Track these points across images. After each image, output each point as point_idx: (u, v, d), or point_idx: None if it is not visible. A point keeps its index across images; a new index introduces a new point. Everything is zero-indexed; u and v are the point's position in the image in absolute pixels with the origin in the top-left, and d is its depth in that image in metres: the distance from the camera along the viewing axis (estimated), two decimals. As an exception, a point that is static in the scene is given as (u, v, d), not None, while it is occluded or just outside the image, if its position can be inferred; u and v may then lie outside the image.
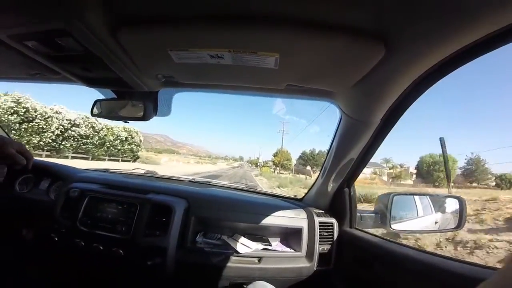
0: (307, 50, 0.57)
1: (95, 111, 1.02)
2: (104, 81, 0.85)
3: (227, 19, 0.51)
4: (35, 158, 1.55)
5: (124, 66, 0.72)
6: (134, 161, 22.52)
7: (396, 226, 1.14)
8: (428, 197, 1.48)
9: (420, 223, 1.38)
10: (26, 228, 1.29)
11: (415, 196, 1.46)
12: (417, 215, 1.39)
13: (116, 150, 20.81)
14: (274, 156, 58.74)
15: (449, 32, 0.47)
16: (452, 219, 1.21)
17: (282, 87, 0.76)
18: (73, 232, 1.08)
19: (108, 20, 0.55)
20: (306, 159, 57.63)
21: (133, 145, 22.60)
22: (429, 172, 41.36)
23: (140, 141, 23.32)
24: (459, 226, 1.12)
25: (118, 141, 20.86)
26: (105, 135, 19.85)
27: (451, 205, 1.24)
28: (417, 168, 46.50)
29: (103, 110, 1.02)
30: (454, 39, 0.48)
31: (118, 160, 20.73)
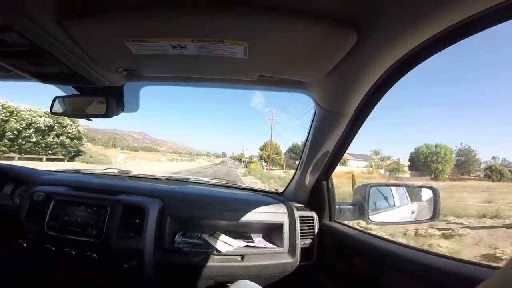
0: (276, 38, 0.54)
1: (56, 108, 0.94)
2: (60, 76, 0.77)
3: (189, 5, 0.47)
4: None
5: (78, 60, 0.66)
6: (71, 159, 16.27)
7: (374, 218, 1.15)
8: (404, 187, 1.52)
9: (398, 213, 1.41)
10: None
11: (391, 187, 1.49)
12: (394, 205, 1.43)
13: (31, 144, 13.75)
14: (261, 150, 50.34)
15: (422, 19, 0.45)
16: (427, 208, 1.25)
17: (254, 78, 0.73)
18: (41, 237, 1.03)
19: (53, 10, 0.49)
20: (298, 153, 51.75)
21: (66, 138, 15.80)
22: (426, 163, 39.78)
23: (79, 132, 16.90)
24: (434, 216, 1.15)
25: (33, 130, 13.77)
26: (4, 120, 12.62)
27: (426, 194, 1.28)
28: (411, 160, 44.95)
29: (66, 107, 0.94)
30: (426, 26, 0.47)
31: (41, 159, 14.12)
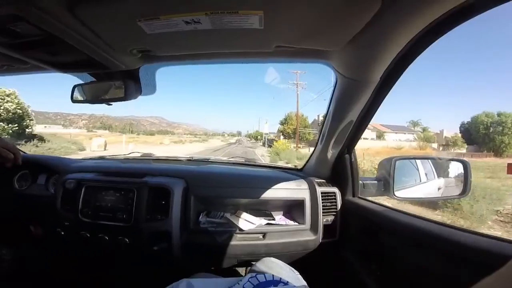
0: (293, 6, 0.50)
1: (76, 96, 0.95)
2: (77, 64, 0.78)
3: None
4: (28, 153, 1.54)
5: (92, 45, 0.65)
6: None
7: (399, 194, 1.10)
8: (430, 161, 1.44)
9: (423, 189, 1.35)
10: (34, 225, 1.30)
11: (417, 160, 1.42)
12: (420, 180, 1.36)
13: None
14: (283, 123, 40.34)
15: None
16: (455, 184, 1.18)
17: (271, 49, 0.70)
18: (77, 224, 1.07)
19: None
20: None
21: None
22: (487, 136, 32.28)
23: (9, 111, 13.11)
24: (464, 192, 1.08)
25: None
26: None
27: (455, 169, 1.20)
28: (465, 132, 36.88)
29: (84, 95, 0.95)
30: None
31: None
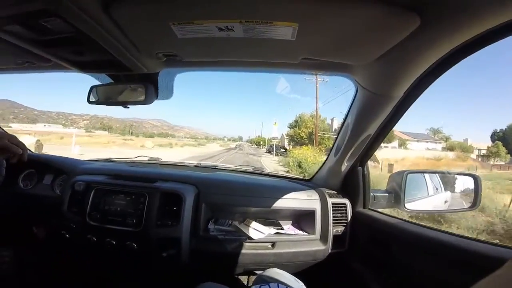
0: (330, 20, 0.51)
1: (92, 98, 0.95)
2: (100, 64, 0.78)
3: None
4: (35, 152, 1.52)
5: (120, 46, 0.65)
6: None
7: (410, 206, 1.11)
8: (438, 175, 1.45)
9: (431, 202, 1.36)
10: (36, 225, 1.27)
11: (425, 174, 1.43)
12: (428, 193, 1.37)
13: None
14: (293, 127, 32.37)
15: (485, 7, 0.43)
16: (462, 198, 1.19)
17: (297, 60, 0.70)
18: (83, 227, 1.04)
19: None
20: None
21: None
22: None
23: None
24: (474, 205, 1.09)
25: None
26: None
27: (463, 183, 1.21)
28: (502, 140, 32.85)
29: (101, 96, 0.95)
30: (493, 13, 0.44)
31: None
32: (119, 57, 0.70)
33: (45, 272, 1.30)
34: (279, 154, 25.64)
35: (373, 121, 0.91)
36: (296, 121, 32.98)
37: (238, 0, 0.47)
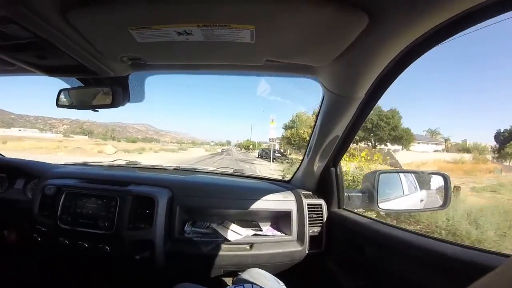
0: (285, 22, 0.52)
1: (62, 101, 0.93)
2: (65, 68, 0.77)
3: None
4: (6, 157, 1.47)
5: (82, 51, 0.65)
6: None
7: (383, 206, 1.14)
8: (412, 174, 1.50)
9: (406, 202, 1.40)
10: (8, 230, 1.24)
11: (400, 174, 1.47)
12: (403, 193, 1.41)
13: None
14: (290, 128, 28.37)
15: (435, 4, 0.44)
16: (437, 197, 1.23)
17: (261, 63, 0.71)
18: (55, 230, 1.05)
19: (55, 1, 0.48)
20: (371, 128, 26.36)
21: None
22: None
23: None
24: (444, 204, 1.13)
25: None
26: None
27: (436, 182, 1.25)
28: (502, 141, 31.61)
29: (70, 99, 0.94)
30: (439, 11, 0.46)
31: None
32: (83, 61, 0.70)
33: (18, 275, 1.27)
34: (276, 159, 21.27)
35: (339, 122, 0.93)
36: (293, 121, 28.91)
37: (194, 5, 0.48)
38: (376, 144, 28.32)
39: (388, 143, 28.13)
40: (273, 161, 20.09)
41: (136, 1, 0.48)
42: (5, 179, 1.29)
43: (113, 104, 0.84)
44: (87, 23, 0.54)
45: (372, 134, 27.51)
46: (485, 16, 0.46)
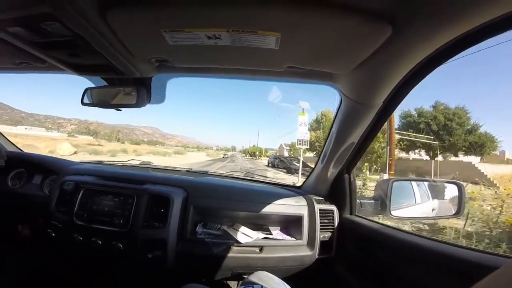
0: (310, 30, 0.54)
1: (86, 100, 0.97)
2: (95, 67, 0.80)
3: None
4: (26, 152, 1.52)
5: (115, 51, 0.68)
6: None
7: (396, 213, 1.13)
8: (425, 183, 1.48)
9: (419, 210, 1.38)
10: (22, 224, 1.27)
11: (412, 182, 1.46)
12: (415, 202, 1.40)
13: None
14: (314, 129, 23.05)
15: (456, 15, 0.46)
16: (449, 206, 1.22)
17: (282, 69, 0.73)
18: (70, 226, 1.06)
19: (97, 1, 0.51)
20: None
21: None
22: None
23: None
24: (458, 212, 1.12)
25: None
26: None
27: (449, 191, 1.24)
28: None
29: (94, 98, 0.97)
30: (463, 19, 0.47)
31: None
32: (113, 61, 0.73)
33: (29, 269, 1.29)
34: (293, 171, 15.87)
35: (355, 129, 0.94)
36: (317, 121, 22.91)
37: (225, 11, 0.51)
38: (439, 153, 18.76)
39: (461, 153, 18.83)
40: (290, 173, 15.94)
41: (172, 5, 0.50)
42: (23, 174, 1.32)
43: (137, 104, 0.87)
44: (124, 23, 0.57)
45: (438, 140, 18.10)
46: (503, 28, 0.47)
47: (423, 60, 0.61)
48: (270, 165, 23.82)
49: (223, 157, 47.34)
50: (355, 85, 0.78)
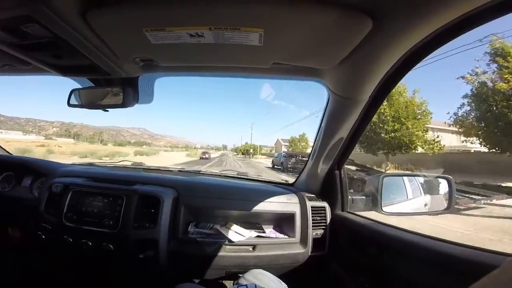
0: (292, 26, 0.54)
1: (72, 101, 0.96)
2: (79, 69, 0.79)
3: None
4: (15, 155, 1.50)
5: (98, 51, 0.67)
6: None
7: (387, 209, 1.14)
8: (416, 178, 1.49)
9: (411, 205, 1.39)
10: (12, 227, 1.26)
11: (404, 178, 1.47)
12: (407, 197, 1.41)
13: None
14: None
15: (435, 8, 0.46)
16: (441, 200, 1.22)
17: (268, 65, 0.73)
18: (59, 228, 1.06)
19: (75, 2, 0.51)
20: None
21: None
22: None
23: None
24: (448, 207, 1.12)
25: None
26: None
27: (440, 185, 1.25)
28: None
29: (81, 100, 0.96)
30: (444, 11, 0.47)
31: None
32: (97, 61, 0.72)
33: (20, 272, 1.28)
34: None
35: (343, 125, 0.94)
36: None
37: (206, 8, 0.50)
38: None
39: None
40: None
41: (152, 4, 0.50)
42: (12, 177, 1.31)
43: (124, 104, 0.86)
44: (104, 23, 0.57)
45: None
46: (485, 18, 0.48)
47: (406, 54, 0.61)
48: (274, 166, 18.06)
49: (203, 157, 30.24)
50: (341, 80, 0.78)
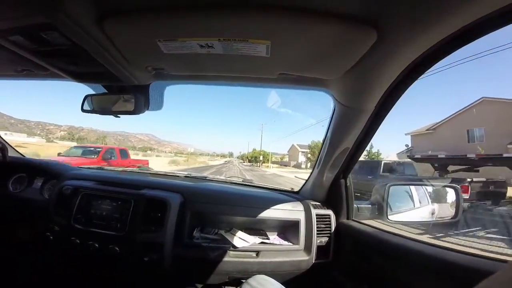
0: (298, 37, 0.56)
1: (86, 107, 0.99)
2: (94, 75, 0.83)
3: (216, 6, 0.50)
4: (27, 157, 1.55)
5: (112, 59, 0.70)
6: None
7: (393, 218, 1.13)
8: (424, 187, 1.48)
9: (417, 214, 1.37)
10: (22, 227, 1.29)
11: (411, 187, 1.46)
12: (414, 206, 1.39)
13: None
14: None
15: (443, 15, 0.46)
16: (449, 209, 1.21)
17: (275, 75, 0.75)
18: (68, 230, 1.08)
19: (93, 11, 0.53)
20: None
21: None
22: None
23: None
24: (455, 216, 1.11)
25: None
26: None
27: (448, 195, 1.24)
28: None
29: (94, 105, 0.99)
30: (447, 22, 0.48)
31: None
32: (111, 69, 0.75)
33: (27, 272, 1.30)
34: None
35: (349, 134, 0.95)
36: None
37: (216, 20, 0.53)
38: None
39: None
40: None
41: (165, 15, 0.53)
42: (24, 178, 1.35)
43: (135, 111, 0.89)
44: (120, 32, 0.59)
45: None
46: (486, 29, 0.48)
47: (411, 64, 0.62)
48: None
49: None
50: (346, 90, 0.79)
